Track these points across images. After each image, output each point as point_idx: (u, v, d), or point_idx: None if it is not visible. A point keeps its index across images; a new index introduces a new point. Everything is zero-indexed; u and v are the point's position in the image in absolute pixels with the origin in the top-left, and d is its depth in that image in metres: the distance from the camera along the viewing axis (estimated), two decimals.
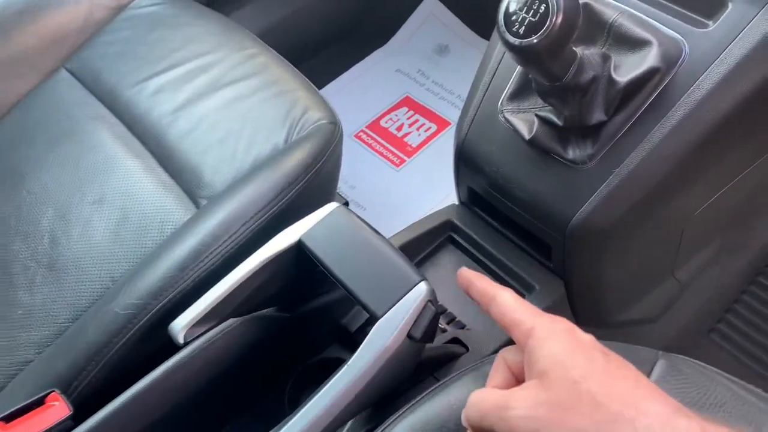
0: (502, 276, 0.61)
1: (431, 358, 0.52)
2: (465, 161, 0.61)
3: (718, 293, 0.79)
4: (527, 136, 0.53)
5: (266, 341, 0.53)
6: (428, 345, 0.47)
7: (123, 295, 0.54)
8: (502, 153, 0.56)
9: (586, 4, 0.50)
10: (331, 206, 0.50)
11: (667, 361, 0.44)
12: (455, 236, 0.64)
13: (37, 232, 0.65)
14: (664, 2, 0.52)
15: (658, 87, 0.49)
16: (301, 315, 0.54)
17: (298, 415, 0.42)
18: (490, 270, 0.61)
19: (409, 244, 0.62)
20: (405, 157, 1.15)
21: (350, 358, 0.43)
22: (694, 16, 0.50)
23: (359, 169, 1.14)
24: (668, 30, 0.50)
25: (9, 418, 0.45)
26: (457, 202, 0.67)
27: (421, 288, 0.44)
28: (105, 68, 0.76)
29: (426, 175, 1.11)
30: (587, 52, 0.48)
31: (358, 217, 0.49)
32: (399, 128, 1.18)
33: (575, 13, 0.41)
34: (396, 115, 1.20)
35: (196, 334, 0.48)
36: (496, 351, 0.54)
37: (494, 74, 0.57)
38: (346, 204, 0.84)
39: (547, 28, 0.40)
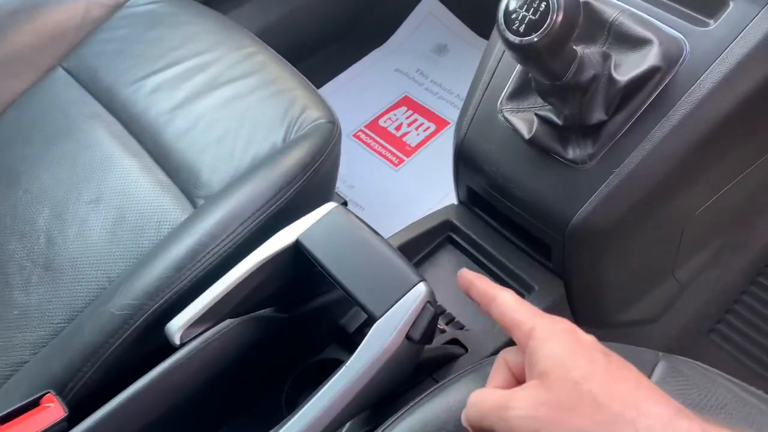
0: (501, 276, 0.61)
1: (430, 359, 0.52)
2: (464, 161, 0.60)
3: (718, 293, 0.79)
4: (527, 136, 0.53)
5: (264, 342, 0.52)
6: (427, 346, 0.46)
7: (119, 296, 0.54)
8: (502, 152, 0.56)
9: (586, 3, 0.50)
10: (330, 206, 0.49)
11: (668, 362, 0.44)
12: (454, 236, 0.64)
13: (33, 232, 0.64)
14: (665, 1, 0.51)
15: (658, 86, 0.49)
16: (299, 315, 0.54)
17: (296, 417, 0.41)
18: (490, 270, 0.61)
19: (407, 244, 0.62)
20: (404, 157, 1.14)
21: (348, 359, 0.42)
22: (695, 14, 0.50)
23: (358, 168, 1.13)
24: (669, 29, 0.50)
25: (3, 420, 0.44)
26: (456, 202, 0.67)
27: (420, 288, 0.43)
28: (102, 67, 0.76)
29: (425, 174, 1.11)
30: (587, 51, 0.47)
31: (357, 216, 0.49)
32: (398, 128, 1.18)
33: (576, 11, 0.41)
34: (395, 115, 1.20)
35: (193, 335, 0.47)
36: (495, 352, 0.54)
37: (494, 73, 0.57)
38: (345, 204, 0.83)
39: (548, 26, 0.40)
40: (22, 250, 0.63)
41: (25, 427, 0.44)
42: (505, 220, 0.61)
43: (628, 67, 0.48)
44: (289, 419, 0.42)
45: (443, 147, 1.13)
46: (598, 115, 0.49)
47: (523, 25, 0.41)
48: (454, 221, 0.64)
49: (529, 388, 0.32)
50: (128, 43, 0.77)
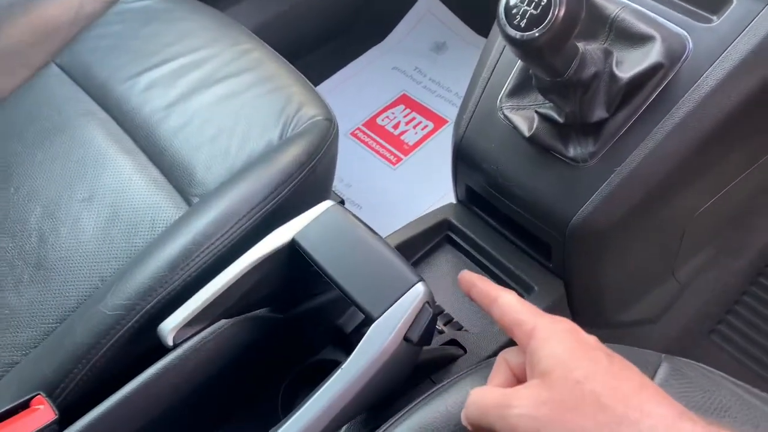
0: (500, 276, 0.60)
1: (428, 361, 0.51)
2: (463, 159, 0.60)
3: (719, 294, 0.78)
4: (527, 134, 0.52)
5: (259, 343, 0.52)
6: (425, 347, 0.45)
7: (111, 295, 0.53)
8: (501, 151, 0.55)
9: None
10: (326, 204, 0.48)
11: (671, 364, 0.43)
12: (453, 236, 0.64)
13: (24, 231, 0.63)
14: None
15: (661, 83, 0.48)
16: (295, 316, 0.53)
17: (292, 419, 0.41)
18: (489, 270, 0.61)
19: (405, 244, 0.61)
20: (401, 156, 1.13)
21: (345, 360, 0.42)
22: (698, 11, 0.49)
23: (355, 167, 1.13)
24: (672, 25, 0.49)
25: None
26: (454, 201, 0.66)
27: (419, 289, 0.43)
28: (96, 63, 0.75)
29: (423, 173, 1.10)
30: (589, 48, 0.47)
31: (354, 215, 0.48)
32: (396, 126, 1.17)
33: (578, 6, 0.40)
34: (393, 113, 1.19)
35: (187, 336, 0.46)
36: (494, 353, 0.53)
37: (493, 70, 0.57)
38: (342, 202, 0.83)
39: (549, 21, 0.39)
40: (14, 249, 0.62)
41: (14, 430, 0.43)
42: (504, 219, 0.60)
43: (630, 64, 0.48)
44: (285, 421, 0.41)
45: (441, 145, 1.12)
46: (599, 112, 0.48)
47: (525, 20, 0.40)
48: (453, 220, 0.63)
49: (530, 387, 0.32)
50: (123, 39, 0.76)
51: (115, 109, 0.71)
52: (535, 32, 0.40)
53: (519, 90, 0.54)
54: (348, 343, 0.52)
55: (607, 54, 0.48)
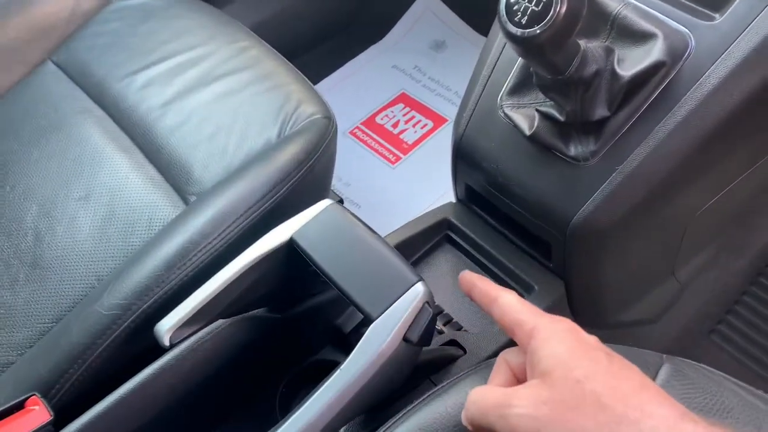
0: (500, 276, 0.60)
1: (428, 361, 0.51)
2: (463, 158, 0.59)
3: (719, 294, 0.78)
4: (528, 132, 0.52)
5: (257, 343, 0.51)
6: (425, 347, 0.45)
7: (108, 295, 0.52)
8: (502, 149, 0.55)
9: None
10: (325, 203, 0.48)
11: (672, 365, 0.43)
12: (452, 235, 0.63)
13: (20, 229, 0.63)
14: None
15: (663, 82, 0.48)
16: (293, 316, 0.52)
17: (289, 420, 0.40)
18: (488, 270, 0.60)
19: (404, 243, 0.61)
20: (401, 155, 1.13)
21: (344, 360, 0.41)
22: (700, 8, 0.49)
23: (354, 166, 1.12)
24: (674, 23, 0.49)
25: None
26: (454, 200, 0.66)
27: (418, 289, 0.42)
28: (93, 61, 0.74)
29: (422, 172, 1.10)
30: (590, 46, 0.46)
31: (353, 214, 0.47)
32: (395, 125, 1.17)
33: (580, 2, 0.40)
34: (392, 112, 1.19)
35: (183, 336, 0.46)
36: (494, 353, 0.53)
37: (494, 68, 0.56)
38: (341, 201, 0.82)
39: (551, 17, 0.39)
40: (9, 248, 0.62)
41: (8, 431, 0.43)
42: (504, 218, 0.60)
43: (631, 62, 0.47)
44: (284, 422, 0.40)
45: (441, 144, 1.12)
46: (600, 111, 0.48)
47: (526, 17, 0.39)
48: (453, 220, 0.63)
49: (530, 386, 0.32)
50: (120, 36, 0.76)
51: (112, 106, 0.70)
52: (537, 29, 0.39)
53: (519, 88, 0.54)
54: (347, 343, 0.52)
55: (609, 52, 0.47)
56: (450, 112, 1.17)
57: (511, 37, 0.41)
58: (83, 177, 0.65)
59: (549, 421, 0.30)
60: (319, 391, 0.40)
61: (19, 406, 0.45)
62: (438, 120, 1.17)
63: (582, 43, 0.45)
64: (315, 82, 1.17)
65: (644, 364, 0.42)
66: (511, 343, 0.37)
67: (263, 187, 0.58)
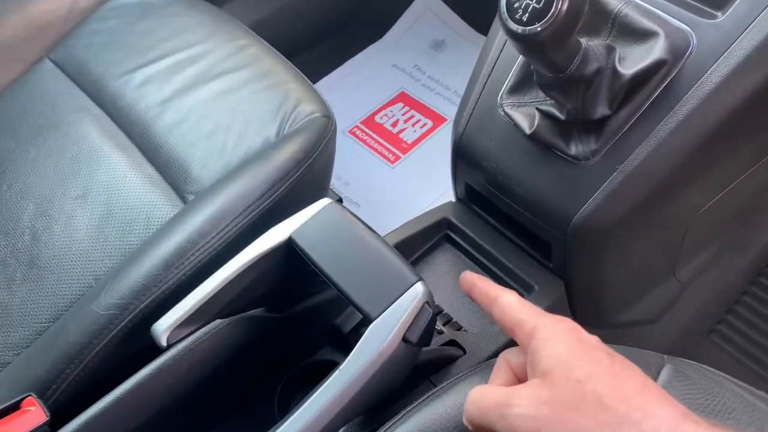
0: (500, 276, 0.59)
1: (427, 362, 0.50)
2: (463, 157, 0.59)
3: (719, 293, 0.78)
4: (528, 131, 0.51)
5: (255, 343, 0.51)
6: (424, 348, 0.45)
7: (104, 295, 0.52)
8: (502, 148, 0.55)
9: None
10: (324, 202, 0.48)
11: (674, 365, 0.43)
12: (452, 235, 0.63)
13: (17, 228, 0.62)
14: None
15: (664, 80, 0.47)
16: (292, 315, 0.52)
17: (288, 421, 0.40)
18: (488, 270, 0.60)
19: (404, 243, 0.60)
20: (400, 154, 1.13)
21: (343, 360, 0.41)
22: (702, 6, 0.49)
23: (353, 165, 1.12)
24: (675, 21, 0.48)
25: None
26: (454, 200, 0.65)
27: (418, 289, 0.42)
28: (90, 58, 0.74)
29: (422, 171, 1.09)
30: (591, 43, 0.46)
31: (352, 213, 0.47)
32: (394, 124, 1.17)
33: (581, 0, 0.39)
34: (391, 111, 1.19)
35: (181, 336, 0.46)
36: (494, 354, 0.53)
37: (494, 66, 0.56)
38: (340, 201, 0.82)
39: (552, 15, 0.38)
40: (6, 247, 0.61)
41: None
42: (504, 218, 0.59)
43: (633, 61, 0.47)
44: (282, 423, 0.40)
45: (440, 144, 1.12)
46: (601, 109, 0.48)
47: (527, 14, 0.39)
48: (452, 219, 0.63)
49: (531, 386, 0.32)
50: (117, 34, 0.75)
51: (110, 105, 0.70)
52: (538, 27, 0.39)
53: (520, 86, 0.53)
54: (346, 343, 0.52)
55: (610, 50, 0.47)
56: (450, 111, 1.16)
57: (511, 34, 0.40)
58: (80, 175, 0.65)
59: (549, 421, 0.30)
60: (318, 392, 0.40)
61: (15, 407, 0.44)
62: (437, 119, 1.16)
63: (583, 41, 0.45)
64: (314, 81, 1.16)
65: (645, 364, 0.42)
66: (511, 344, 0.37)
67: (262, 186, 0.58)
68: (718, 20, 0.47)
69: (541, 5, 0.39)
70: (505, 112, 0.54)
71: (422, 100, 1.19)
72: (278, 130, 0.64)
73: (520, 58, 0.53)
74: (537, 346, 0.33)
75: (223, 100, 0.68)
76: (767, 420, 0.40)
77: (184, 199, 0.62)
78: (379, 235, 0.46)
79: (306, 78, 0.70)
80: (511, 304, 0.36)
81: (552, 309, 0.57)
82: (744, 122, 0.49)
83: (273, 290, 0.50)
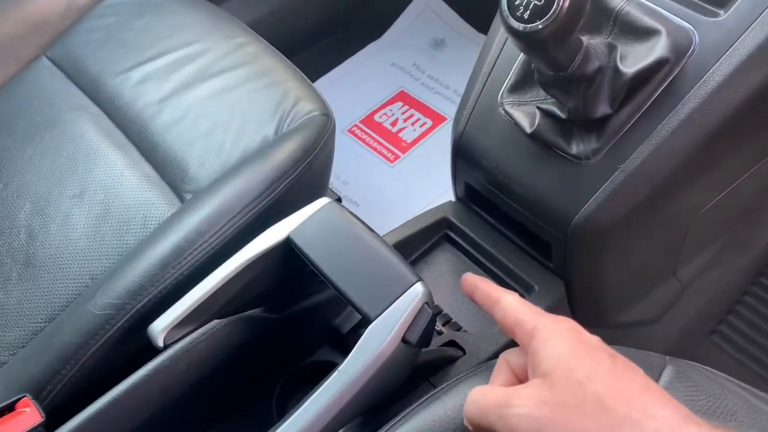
0: (500, 276, 0.59)
1: (426, 362, 0.50)
2: (462, 156, 0.59)
3: (720, 293, 0.78)
4: (528, 130, 0.51)
5: (253, 343, 0.50)
6: (424, 348, 0.44)
7: (101, 294, 0.51)
8: (502, 147, 0.54)
9: None
10: (322, 201, 0.47)
11: (676, 367, 0.42)
12: (452, 234, 0.63)
13: (13, 227, 0.62)
14: None
15: (666, 79, 0.47)
16: (290, 316, 0.52)
17: (286, 423, 0.40)
18: (488, 270, 0.60)
19: (403, 243, 0.60)
20: (399, 153, 1.12)
21: (342, 361, 0.40)
22: (704, 4, 0.48)
23: (352, 164, 1.11)
24: (677, 19, 0.48)
25: None
26: (453, 199, 0.65)
27: (417, 289, 0.42)
28: (88, 56, 0.73)
29: (421, 171, 1.09)
30: (592, 42, 0.46)
31: (351, 213, 0.47)
32: (393, 123, 1.16)
33: None
34: (390, 110, 1.18)
35: (178, 337, 0.45)
36: (494, 354, 0.52)
37: (494, 65, 0.55)
38: (339, 200, 0.81)
39: (554, 12, 0.38)
40: (2, 246, 0.61)
41: None
42: (504, 217, 0.59)
43: (634, 59, 0.47)
44: (280, 425, 0.40)
45: (440, 143, 1.11)
46: (603, 108, 0.47)
47: (528, 11, 0.39)
48: (452, 219, 0.62)
49: (531, 386, 0.32)
50: (115, 32, 0.75)
51: (107, 103, 0.70)
52: (539, 24, 0.38)
53: (520, 85, 0.53)
54: (344, 343, 0.51)
55: (611, 48, 0.47)
56: (449, 110, 1.16)
57: (512, 32, 0.40)
58: (77, 174, 0.64)
59: (549, 422, 0.30)
60: (316, 393, 0.40)
61: (10, 408, 0.44)
62: (437, 118, 1.16)
63: (584, 39, 0.44)
64: (313, 80, 1.16)
65: (647, 365, 0.42)
66: (512, 344, 0.37)
67: (260, 185, 0.58)
68: (721, 18, 0.47)
69: (542, 2, 0.38)
70: (506, 111, 0.53)
71: (422, 99, 1.19)
72: (277, 128, 0.64)
73: (521, 57, 0.53)
74: (537, 346, 0.33)
75: (221, 99, 0.67)
76: None
77: (181, 198, 0.62)
78: (378, 235, 0.46)
79: (305, 76, 0.70)
80: (512, 305, 0.36)
81: (552, 309, 0.56)
82: (746, 121, 0.49)
83: (271, 290, 0.50)
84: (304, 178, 0.60)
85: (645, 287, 0.67)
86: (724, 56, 0.46)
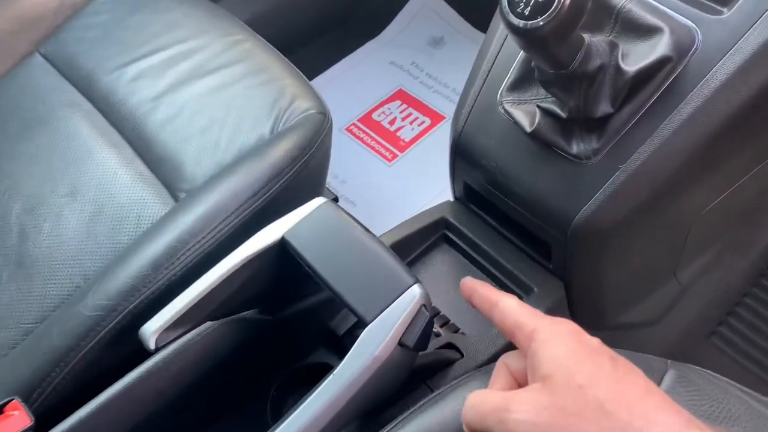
0: (499, 277, 0.58)
1: (424, 365, 0.49)
2: (461, 155, 0.58)
3: (720, 295, 0.77)
4: (528, 129, 0.50)
5: (247, 345, 0.50)
6: (421, 351, 0.44)
7: (92, 296, 0.51)
8: (501, 147, 0.54)
9: None
10: (318, 201, 0.46)
11: (678, 371, 0.42)
12: (450, 234, 0.62)
13: (4, 227, 0.61)
14: None
15: (668, 77, 0.46)
16: (285, 318, 0.51)
17: (281, 426, 0.39)
18: (487, 271, 0.59)
19: (400, 243, 0.59)
20: (397, 152, 1.12)
21: (337, 363, 0.40)
22: (707, 2, 0.48)
23: (350, 163, 1.11)
24: (680, 17, 0.47)
25: None
26: (452, 199, 0.64)
27: (415, 291, 0.41)
28: (82, 53, 0.73)
29: (419, 170, 1.08)
30: (594, 39, 0.45)
31: (347, 213, 0.46)
32: (392, 122, 1.15)
33: None
34: (389, 109, 1.17)
35: (170, 339, 0.44)
36: (493, 357, 0.51)
37: (494, 63, 0.55)
38: (336, 199, 0.81)
39: (555, 8, 0.37)
40: None
41: None
42: (503, 218, 0.58)
43: (636, 57, 0.46)
44: (275, 428, 0.39)
45: (438, 142, 1.11)
46: (604, 107, 0.46)
47: (529, 8, 0.38)
48: (450, 219, 0.61)
49: (531, 391, 0.31)
50: (109, 28, 0.74)
51: (101, 100, 0.69)
52: (540, 21, 0.38)
53: (520, 83, 0.52)
54: (340, 345, 0.51)
55: (613, 46, 0.46)
56: (448, 109, 1.15)
57: (513, 28, 0.39)
58: (70, 173, 0.63)
59: (549, 428, 0.29)
60: (311, 397, 0.39)
61: None
62: (436, 117, 1.15)
63: (586, 36, 0.44)
64: (311, 78, 1.15)
65: (649, 369, 0.41)
66: (510, 346, 0.36)
67: (255, 184, 0.57)
68: (724, 16, 0.46)
69: None
70: (505, 110, 0.53)
71: (420, 98, 1.18)
72: (273, 126, 0.63)
73: (521, 54, 0.52)
74: (537, 349, 0.33)
75: (216, 96, 0.66)
76: None
77: (175, 197, 0.61)
78: (374, 236, 0.45)
79: (302, 74, 0.69)
80: (510, 308, 0.36)
81: (552, 311, 0.56)
82: (749, 120, 0.48)
83: (266, 292, 0.49)
84: (301, 177, 0.60)
85: (645, 288, 0.66)
86: (727, 55, 0.45)
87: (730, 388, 0.41)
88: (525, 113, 0.51)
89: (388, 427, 0.40)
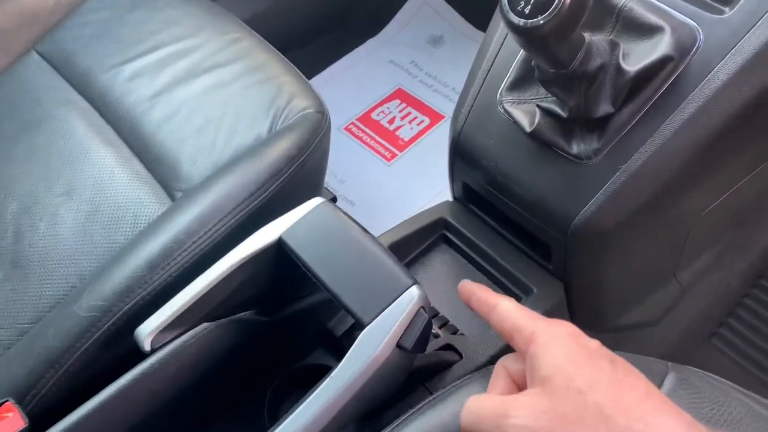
0: (498, 278, 0.58)
1: (422, 367, 0.49)
2: (461, 155, 0.57)
3: (721, 296, 0.77)
4: (528, 129, 0.50)
5: (244, 346, 0.49)
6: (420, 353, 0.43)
7: (87, 296, 0.50)
8: (501, 146, 0.53)
9: None
10: (315, 201, 0.46)
11: (678, 373, 0.41)
12: (449, 235, 0.61)
13: (0, 227, 0.60)
14: None
15: (669, 77, 0.46)
16: (282, 319, 0.51)
17: (278, 430, 0.39)
18: (486, 271, 0.59)
19: (399, 243, 0.59)
20: (397, 152, 1.11)
21: (335, 364, 0.39)
22: (709, 1, 0.47)
23: (349, 163, 1.10)
24: (681, 16, 0.47)
25: None
26: (451, 199, 0.64)
27: (413, 293, 0.40)
28: (78, 51, 0.72)
29: (418, 170, 1.08)
30: (594, 39, 0.44)
31: (345, 213, 0.46)
32: (391, 121, 1.15)
33: None
34: (388, 108, 1.17)
35: (166, 340, 0.44)
36: (492, 358, 0.51)
37: (493, 62, 0.54)
38: (334, 199, 0.80)
39: (556, 7, 0.37)
40: None
41: None
42: (502, 218, 0.58)
43: (637, 57, 0.46)
44: (272, 430, 0.38)
45: (438, 141, 1.10)
46: (604, 107, 0.46)
47: (529, 6, 0.37)
48: (449, 219, 0.61)
49: (529, 395, 0.31)
50: (106, 26, 0.74)
51: (98, 99, 0.68)
52: (540, 19, 0.37)
53: (520, 83, 0.52)
54: (338, 346, 0.50)
55: (614, 46, 0.46)
56: (447, 108, 1.15)
57: (513, 27, 0.39)
58: (66, 172, 0.63)
59: None
60: (309, 399, 0.39)
61: None
62: (435, 117, 1.15)
63: (587, 35, 0.43)
64: (310, 77, 1.15)
65: (649, 371, 0.41)
66: (509, 348, 0.36)
67: (252, 184, 0.56)
68: (726, 15, 0.46)
69: None
70: (505, 110, 0.52)
71: (419, 97, 1.18)
72: (270, 125, 0.62)
73: (521, 53, 0.51)
74: (535, 352, 0.32)
75: (214, 95, 0.66)
76: None
77: (172, 197, 0.61)
78: (373, 236, 0.45)
79: (300, 73, 0.69)
80: (508, 310, 0.36)
81: (551, 312, 0.55)
82: (751, 121, 0.48)
83: (262, 293, 0.49)
84: (298, 177, 0.59)
85: (645, 289, 0.66)
86: (729, 54, 0.45)
87: (731, 391, 0.41)
88: (525, 113, 0.51)
89: (387, 430, 0.39)
